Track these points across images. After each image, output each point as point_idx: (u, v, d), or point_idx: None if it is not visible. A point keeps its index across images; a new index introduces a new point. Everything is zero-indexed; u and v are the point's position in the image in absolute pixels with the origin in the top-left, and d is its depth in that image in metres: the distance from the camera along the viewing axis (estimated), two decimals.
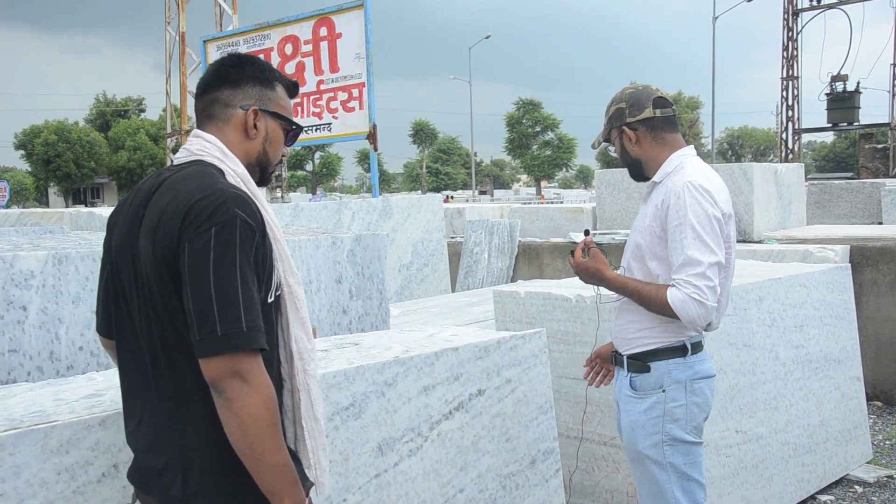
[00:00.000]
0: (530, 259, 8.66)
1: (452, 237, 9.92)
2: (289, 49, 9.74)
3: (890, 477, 4.78)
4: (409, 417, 2.89)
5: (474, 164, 57.78)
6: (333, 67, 9.24)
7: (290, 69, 9.71)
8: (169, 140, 18.74)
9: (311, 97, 9.53)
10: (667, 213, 2.61)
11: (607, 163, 63.10)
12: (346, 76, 9.14)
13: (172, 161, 1.93)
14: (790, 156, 28.86)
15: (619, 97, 2.86)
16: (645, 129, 2.79)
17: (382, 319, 4.37)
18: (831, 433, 4.65)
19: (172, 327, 1.72)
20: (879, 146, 27.21)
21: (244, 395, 1.64)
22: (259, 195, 1.84)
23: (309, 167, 62.11)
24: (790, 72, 29.05)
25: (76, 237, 4.21)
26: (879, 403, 6.37)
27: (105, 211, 8.71)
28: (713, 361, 3.88)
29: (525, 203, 30.96)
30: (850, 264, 5.15)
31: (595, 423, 3.95)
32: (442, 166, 69.50)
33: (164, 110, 19.71)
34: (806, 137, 41.24)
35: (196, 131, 1.94)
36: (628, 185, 8.41)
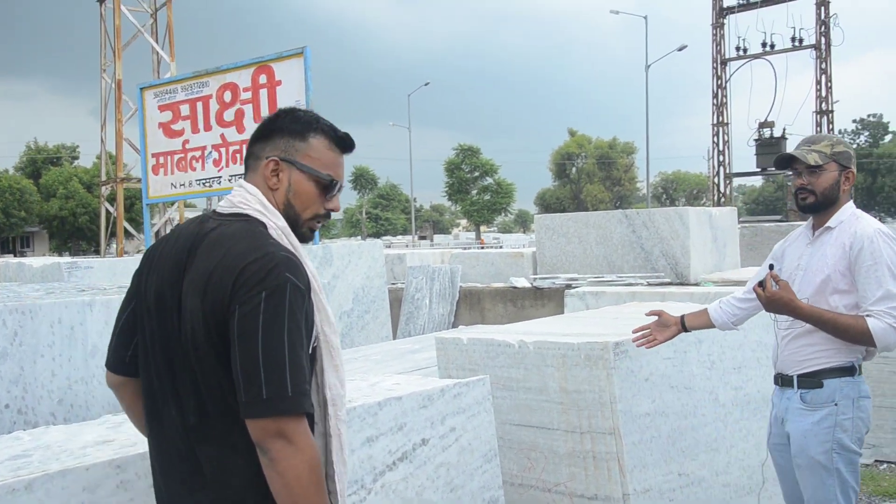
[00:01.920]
0: (472, 304, 8.67)
1: (393, 283, 9.89)
2: (227, 96, 9.68)
3: None
4: (353, 469, 2.83)
5: (414, 210, 58.00)
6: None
7: (228, 116, 9.63)
8: (104, 188, 18.40)
9: None
10: (858, 254, 2.98)
11: (545, 207, 63.94)
12: None
13: (215, 210, 1.95)
14: (722, 199, 29.61)
15: (845, 142, 3.21)
16: (853, 179, 3.18)
17: None
18: (770, 473, 4.70)
19: (216, 381, 1.78)
20: None
21: (289, 455, 1.70)
22: (300, 248, 1.89)
23: None
24: (720, 118, 29.94)
25: (4, 289, 4.08)
26: None
27: (35, 261, 8.44)
28: (654, 405, 3.92)
29: (465, 248, 31.12)
30: None
31: (539, 469, 3.92)
32: (382, 212, 69.58)
33: (99, 157, 19.40)
34: (736, 182, 42.40)
35: (240, 182, 1.98)
36: (567, 230, 8.52)
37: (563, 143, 67.27)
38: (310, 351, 1.84)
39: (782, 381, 3.22)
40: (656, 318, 3.53)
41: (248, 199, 1.90)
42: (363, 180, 67.69)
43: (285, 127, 1.96)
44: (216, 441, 1.81)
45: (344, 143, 2.02)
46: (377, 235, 61.05)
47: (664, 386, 3.99)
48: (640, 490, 3.73)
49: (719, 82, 30.84)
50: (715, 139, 30.76)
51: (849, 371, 3.05)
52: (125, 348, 1.99)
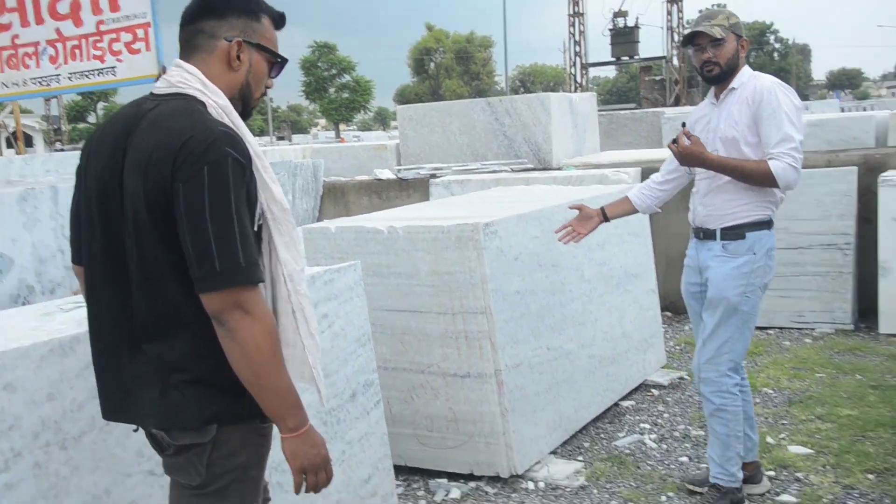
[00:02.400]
0: (336, 198, 8.54)
1: None
2: None
3: (681, 378, 5.16)
4: None
5: (271, 110, 56.27)
6: (114, 6, 8.45)
7: (63, 8, 8.86)
8: None
9: (91, 39, 8.70)
10: (759, 105, 3.23)
11: (405, 104, 63.25)
12: (128, 16, 8.40)
13: (152, 91, 1.94)
14: (579, 90, 30.12)
15: (731, 13, 3.39)
16: (745, 46, 3.41)
17: None
18: (632, 343, 4.94)
19: (157, 262, 1.80)
20: (657, 78, 28.96)
21: (247, 325, 1.74)
22: (242, 126, 1.89)
23: (92, 119, 58.06)
24: (576, 8, 30.14)
25: None
26: (669, 314, 6.84)
27: None
28: (524, 283, 3.99)
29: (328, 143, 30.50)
30: None
31: (412, 352, 3.95)
32: None
33: None
34: (592, 73, 43.17)
35: (178, 61, 1.94)
36: (430, 120, 8.44)
37: (421, 39, 66.30)
38: (255, 229, 1.85)
39: (704, 234, 3.44)
40: (577, 212, 3.74)
41: (187, 78, 1.89)
42: None
43: (239, 6, 1.95)
44: (156, 322, 1.84)
45: (282, 21, 2.05)
46: None
47: (533, 264, 4.06)
48: (512, 365, 3.83)
49: None
50: (571, 30, 31.04)
51: (766, 224, 3.33)
52: (78, 242, 2.01)
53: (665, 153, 7.59)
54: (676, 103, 26.55)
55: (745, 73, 3.38)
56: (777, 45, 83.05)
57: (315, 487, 1.91)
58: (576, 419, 4.35)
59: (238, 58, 1.93)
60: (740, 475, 3.45)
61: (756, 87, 3.29)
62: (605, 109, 23.00)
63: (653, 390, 5.00)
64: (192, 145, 1.73)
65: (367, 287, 3.98)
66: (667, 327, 6.44)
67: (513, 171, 7.43)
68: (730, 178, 3.30)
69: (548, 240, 4.16)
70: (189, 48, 1.94)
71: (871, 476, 3.66)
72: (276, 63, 2.02)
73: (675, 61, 29.26)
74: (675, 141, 3.35)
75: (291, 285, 1.94)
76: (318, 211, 8.47)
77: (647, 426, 4.46)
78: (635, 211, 3.80)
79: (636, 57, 30.98)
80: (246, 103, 1.99)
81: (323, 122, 70.70)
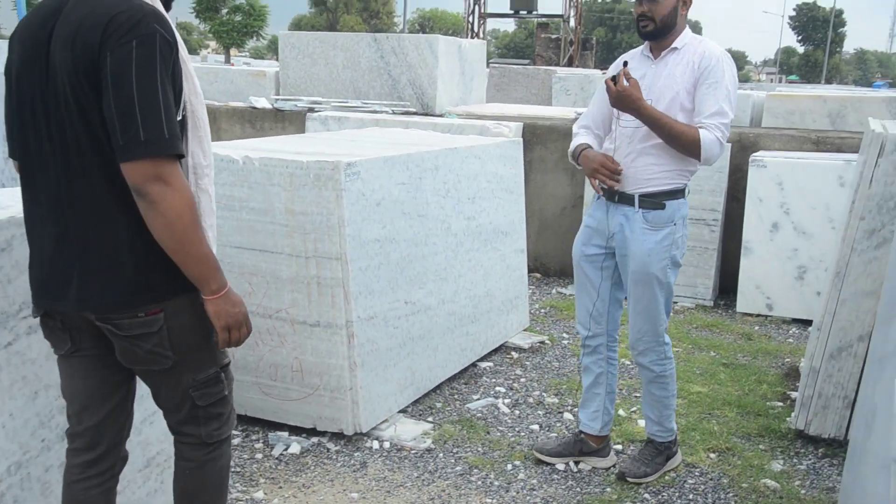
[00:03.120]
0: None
1: None
2: None
3: (542, 343, 5.07)
4: None
5: None
6: None
7: None
8: None
9: None
10: (704, 71, 3.10)
11: (295, 27, 61.44)
12: None
13: None
14: (475, 38, 29.81)
15: None
16: (688, 4, 3.23)
17: None
18: (495, 303, 4.79)
19: (87, 135, 1.84)
20: (553, 36, 29.00)
21: (168, 196, 1.80)
22: (170, 23, 1.90)
23: None
24: None
25: None
26: (539, 275, 6.77)
27: None
28: (385, 230, 3.76)
29: (203, 61, 29.06)
30: (522, 140, 5.25)
31: (261, 294, 3.67)
32: None
33: None
34: (490, 25, 42.92)
35: None
36: (314, 51, 8.01)
37: None
38: (179, 118, 1.89)
39: (620, 198, 3.25)
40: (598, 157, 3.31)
41: None
42: None
43: None
44: (83, 200, 1.88)
45: None
46: None
47: (396, 212, 3.82)
48: (365, 317, 3.61)
49: None
50: None
51: (682, 193, 3.23)
52: (12, 134, 2.00)
53: (551, 112, 7.45)
54: (570, 64, 26.62)
55: (688, 34, 3.24)
56: None
57: (238, 342, 2.04)
58: (429, 378, 4.18)
59: None
60: (675, 427, 3.50)
61: (705, 53, 3.15)
62: (499, 62, 22.82)
63: (513, 353, 4.89)
64: (122, 18, 1.78)
65: (218, 221, 3.68)
66: (534, 289, 6.36)
67: (394, 112, 7.14)
68: (656, 141, 3.14)
69: (415, 187, 3.93)
70: None
71: (713, 455, 3.65)
72: None
73: (572, 21, 29.33)
74: (613, 79, 3.10)
75: (194, 178, 2.00)
76: None
77: (503, 389, 4.34)
78: None
79: (534, 12, 30.86)
80: None
81: (214, 44, 67.83)
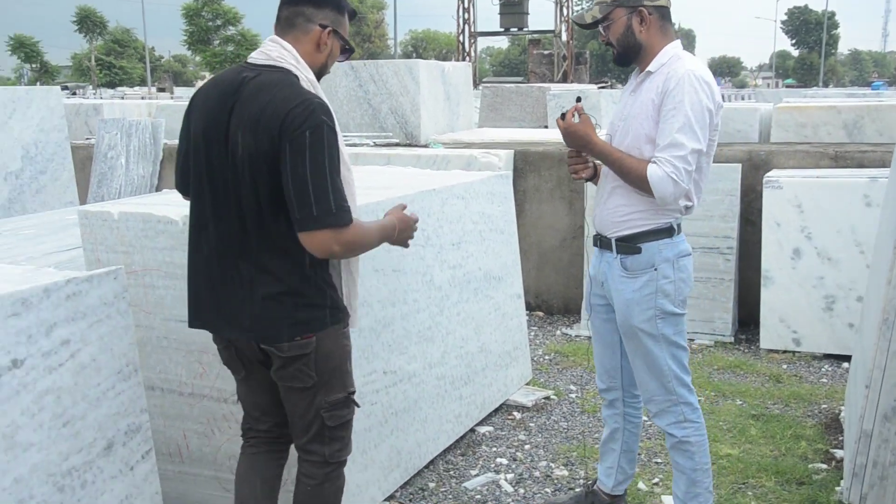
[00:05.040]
0: None
1: (88, 139, 8.42)
2: None
3: (547, 398, 4.52)
4: None
5: (151, 59, 53.34)
6: None
7: None
8: None
9: None
10: (665, 96, 2.73)
11: None
12: None
13: (247, 61, 2.35)
14: (467, 58, 29.47)
15: None
16: (658, 16, 2.84)
17: None
18: (491, 359, 4.26)
19: (256, 202, 2.23)
20: (546, 52, 28.60)
21: (339, 252, 2.25)
22: (324, 96, 2.28)
23: None
24: None
25: None
26: (541, 313, 6.23)
27: None
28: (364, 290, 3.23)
29: (178, 98, 28.63)
30: (512, 171, 4.73)
31: (213, 376, 3.14)
32: (116, 59, 63.33)
33: None
34: (485, 43, 42.64)
35: (274, 37, 2.36)
36: None
37: None
38: None
39: (601, 242, 3.00)
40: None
41: (283, 54, 2.30)
42: (89, 23, 60.84)
43: (334, 1, 2.37)
44: (253, 253, 2.26)
45: (354, 16, 2.49)
46: (111, 85, 55.77)
47: (367, 270, 3.29)
48: None
49: None
50: None
51: (667, 232, 2.85)
52: (184, 176, 2.42)
53: (544, 136, 6.91)
54: (564, 79, 26.17)
55: (668, 53, 2.83)
56: None
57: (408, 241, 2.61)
58: (419, 455, 3.64)
59: (326, 42, 2.35)
60: None
61: (668, 75, 2.76)
62: (493, 81, 22.40)
63: (515, 413, 4.34)
64: (297, 111, 2.14)
65: (155, 291, 3.16)
66: (536, 331, 5.81)
67: (376, 144, 6.63)
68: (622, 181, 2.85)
69: None
70: (287, 25, 2.35)
71: None
72: (346, 49, 2.47)
73: (564, 36, 28.89)
74: (563, 116, 2.88)
75: None
76: (156, 178, 7.45)
77: (505, 461, 3.79)
78: None
79: (525, 29, 30.46)
80: (319, 76, 2.39)
81: (207, 74, 67.72)
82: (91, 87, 52.63)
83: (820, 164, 5.57)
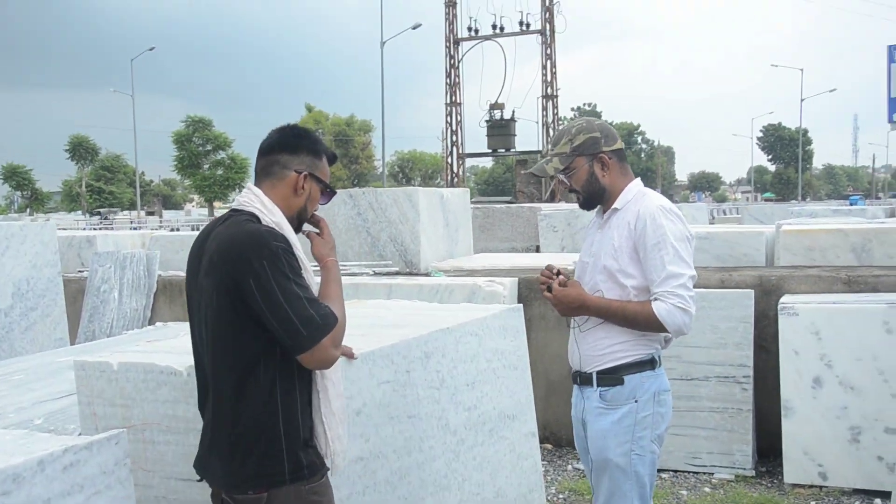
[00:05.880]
0: (173, 297, 7.37)
1: (80, 271, 8.28)
2: None
3: None
4: None
5: (141, 183, 53.95)
6: None
7: None
8: None
9: None
10: (643, 234, 2.81)
11: None
12: None
13: (232, 207, 2.43)
14: (455, 179, 29.90)
15: (587, 127, 2.99)
16: (616, 158, 2.97)
17: None
18: (506, 503, 4.00)
19: (232, 341, 2.23)
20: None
21: (336, 353, 2.27)
22: (292, 236, 2.32)
23: None
24: (453, 98, 30.19)
25: None
26: (550, 446, 5.99)
27: None
28: (369, 445, 3.03)
29: (173, 229, 28.73)
30: (519, 304, 4.60)
31: None
32: (105, 185, 64.00)
33: None
34: (469, 162, 43.40)
35: (249, 185, 2.44)
36: None
37: (301, 119, 65.62)
38: None
39: (581, 379, 3.00)
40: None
41: (251, 199, 2.36)
42: (81, 150, 61.76)
43: (309, 147, 2.43)
44: (224, 399, 2.26)
45: (334, 160, 2.53)
46: (101, 210, 56.09)
47: (382, 418, 3.10)
48: None
49: (452, 62, 31.08)
50: (448, 119, 30.99)
51: (649, 364, 2.89)
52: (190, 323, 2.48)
53: (545, 260, 6.84)
54: (552, 198, 26.50)
55: (632, 190, 2.97)
56: (644, 146, 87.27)
57: None
58: None
59: (303, 186, 2.39)
60: None
61: (639, 213, 2.87)
62: (482, 201, 22.61)
63: None
64: (248, 247, 2.18)
65: (156, 447, 2.94)
66: (546, 466, 5.55)
67: (375, 273, 6.51)
68: None
69: (402, 383, 3.23)
70: (263, 174, 2.41)
71: None
72: (327, 192, 2.48)
73: None
74: (549, 289, 2.93)
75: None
76: (150, 311, 7.27)
77: None
78: None
79: (512, 150, 31.06)
80: (300, 220, 2.45)
81: (198, 198, 68.30)
82: (80, 212, 52.91)
83: (833, 289, 5.46)
